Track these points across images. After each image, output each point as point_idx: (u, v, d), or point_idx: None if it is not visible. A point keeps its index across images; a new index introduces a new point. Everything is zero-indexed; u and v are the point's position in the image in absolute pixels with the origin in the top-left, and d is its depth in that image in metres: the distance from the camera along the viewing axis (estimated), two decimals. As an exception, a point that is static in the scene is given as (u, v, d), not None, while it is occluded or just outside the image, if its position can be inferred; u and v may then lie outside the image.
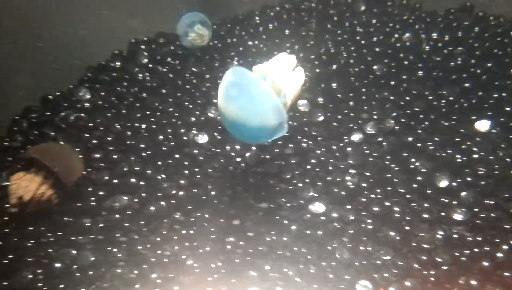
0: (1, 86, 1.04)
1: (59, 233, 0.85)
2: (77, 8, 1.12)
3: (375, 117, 1.03)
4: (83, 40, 1.14)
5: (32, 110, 1.05)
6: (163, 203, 0.89)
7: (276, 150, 0.98)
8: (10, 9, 1.04)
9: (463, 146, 0.97)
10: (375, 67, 1.12)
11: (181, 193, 0.92)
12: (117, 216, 0.87)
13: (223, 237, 0.86)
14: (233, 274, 0.81)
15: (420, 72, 1.11)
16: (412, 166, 0.94)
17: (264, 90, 0.70)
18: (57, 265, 0.80)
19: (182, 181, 0.93)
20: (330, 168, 0.95)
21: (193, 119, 1.04)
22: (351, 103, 1.07)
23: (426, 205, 0.88)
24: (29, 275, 0.79)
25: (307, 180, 0.93)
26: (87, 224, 0.86)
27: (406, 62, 1.14)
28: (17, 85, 1.06)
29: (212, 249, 0.84)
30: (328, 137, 1.01)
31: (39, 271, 0.80)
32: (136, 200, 0.90)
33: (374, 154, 0.96)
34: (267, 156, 0.97)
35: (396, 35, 1.18)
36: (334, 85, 1.10)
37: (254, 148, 0.98)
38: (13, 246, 0.82)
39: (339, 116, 1.05)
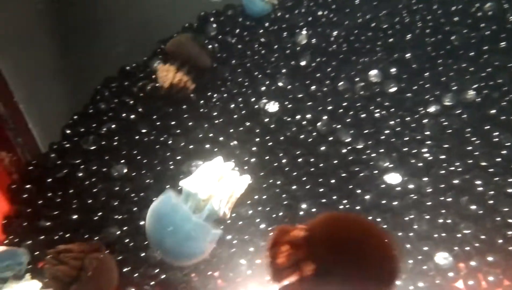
0: (82, 58, 1.10)
1: (141, 194, 0.90)
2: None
3: (453, 88, 0.99)
4: (157, 14, 1.17)
5: (112, 80, 1.11)
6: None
7: (348, 120, 0.97)
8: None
9: (552, 120, 0.91)
10: (453, 37, 1.07)
11: (253, 159, 0.93)
12: (194, 179, 0.90)
13: (295, 203, 0.87)
14: (307, 240, 0.82)
15: (503, 43, 1.05)
16: (495, 140, 0.89)
17: (190, 222, 0.70)
18: (141, 223, 0.85)
19: (254, 148, 0.95)
20: (406, 138, 0.92)
21: (263, 88, 1.05)
22: (426, 74, 1.03)
23: (511, 180, 0.84)
24: (117, 231, 0.84)
25: (381, 150, 0.92)
26: (166, 186, 0.90)
27: (487, 33, 1.07)
28: (97, 58, 1.11)
29: (284, 214, 0.85)
30: (402, 108, 0.99)
31: (125, 228, 0.86)
32: (211, 165, 0.93)
33: (454, 126, 0.93)
34: (339, 126, 0.96)
35: (477, 5, 1.11)
36: (408, 55, 1.06)
37: (325, 117, 0.97)
38: (102, 205, 0.88)
39: (414, 87, 1.01)
